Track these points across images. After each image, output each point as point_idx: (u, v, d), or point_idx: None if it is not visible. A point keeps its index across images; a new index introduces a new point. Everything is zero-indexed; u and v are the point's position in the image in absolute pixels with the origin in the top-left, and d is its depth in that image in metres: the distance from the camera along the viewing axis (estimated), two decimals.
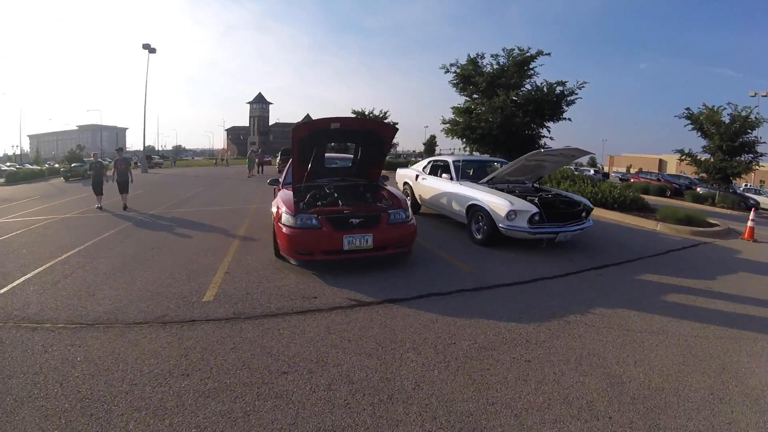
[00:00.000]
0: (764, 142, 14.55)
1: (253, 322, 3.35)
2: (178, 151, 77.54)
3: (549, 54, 13.10)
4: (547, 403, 2.37)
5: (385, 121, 27.80)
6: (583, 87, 12.55)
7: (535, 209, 5.65)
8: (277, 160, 26.29)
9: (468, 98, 14.80)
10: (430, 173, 8.21)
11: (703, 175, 15.69)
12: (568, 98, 12.80)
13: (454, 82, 14.44)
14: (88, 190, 10.70)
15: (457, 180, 7.05)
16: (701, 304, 4.23)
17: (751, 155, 14.73)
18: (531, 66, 13.29)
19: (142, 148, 31.73)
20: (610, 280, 4.87)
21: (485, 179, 6.89)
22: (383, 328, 3.28)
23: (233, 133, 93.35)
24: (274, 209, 4.99)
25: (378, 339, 3.09)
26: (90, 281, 4.35)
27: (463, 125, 13.96)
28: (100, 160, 10.67)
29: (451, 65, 14.22)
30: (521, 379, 2.61)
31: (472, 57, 13.88)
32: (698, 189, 19.19)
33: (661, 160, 64.95)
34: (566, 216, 6.00)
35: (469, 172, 7.60)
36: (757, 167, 15.20)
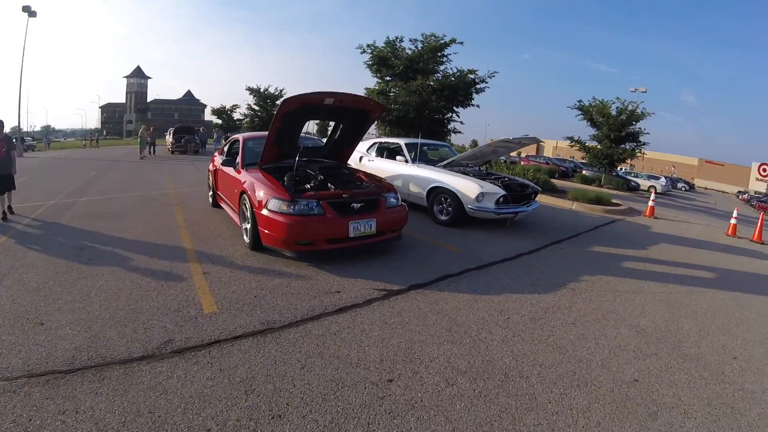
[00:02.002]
0: (648, 133, 17.57)
1: (297, 331, 2.86)
2: (48, 131, 65.84)
3: (462, 43, 13.73)
4: (613, 352, 2.85)
5: (282, 99, 25.98)
6: (493, 76, 13.53)
7: (502, 191, 6.12)
8: (169, 140, 22.65)
9: (380, 80, 14.68)
10: (377, 155, 7.99)
11: (587, 159, 18.04)
12: (478, 86, 13.61)
13: (369, 63, 14.23)
14: None
15: (413, 162, 6.94)
16: (650, 269, 5.21)
17: (635, 144, 17.57)
18: (444, 53, 13.70)
19: (17, 128, 23.63)
20: (572, 253, 5.59)
21: (444, 162, 7.08)
22: (438, 315, 3.23)
23: (108, 111, 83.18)
24: (256, 194, 4.25)
25: (443, 325, 3.05)
26: (25, 302, 3.12)
27: None
28: None
29: (368, 46, 13.94)
30: (581, 338, 3.03)
31: (390, 40, 13.81)
32: (584, 172, 22.04)
33: (539, 145, 71.38)
34: (521, 197, 6.61)
35: (412, 154, 7.54)
36: (641, 154, 18.21)
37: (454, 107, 14.24)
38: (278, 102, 26.05)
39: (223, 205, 6.15)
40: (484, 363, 2.54)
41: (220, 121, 30.69)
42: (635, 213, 10.42)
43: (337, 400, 2.13)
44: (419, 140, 7.54)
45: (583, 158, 22.26)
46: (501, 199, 6.09)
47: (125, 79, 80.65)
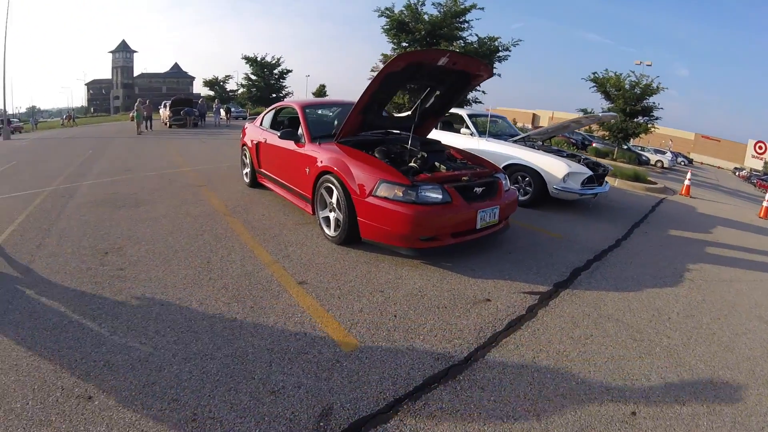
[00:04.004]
0: (661, 108, 17.29)
1: (488, 365, 2.24)
2: (33, 112, 62.93)
3: (483, 8, 12.70)
4: (765, 347, 2.85)
5: (280, 68, 24.24)
6: (517, 44, 12.56)
7: (589, 172, 5.87)
8: (165, 113, 20.63)
9: (396, 47, 13.47)
10: None
11: (605, 133, 17.44)
12: (500, 54, 12.63)
13: (387, 28, 13.01)
14: None
15: (480, 136, 6.09)
16: (728, 254, 5.08)
17: (647, 118, 17.31)
18: (465, 18, 12.60)
19: (1, 110, 21.12)
20: (657, 238, 5.45)
21: (518, 137, 6.63)
22: (610, 321, 2.95)
23: (95, 87, 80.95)
24: (355, 176, 3.40)
25: (625, 333, 2.77)
26: (50, 353, 2.06)
27: None
28: None
29: (386, 9, 12.65)
30: (736, 335, 3.01)
31: (411, 3, 12.54)
32: (594, 144, 21.71)
33: (534, 115, 69.95)
34: (598, 177, 6.32)
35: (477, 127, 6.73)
36: (654, 129, 17.81)
37: None
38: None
39: (271, 185, 5.22)
40: (689, 373, 2.47)
41: (212, 93, 29.31)
42: (670, 192, 10.39)
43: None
44: (486, 112, 6.66)
45: (584, 130, 21.55)
46: (585, 180, 5.79)
47: (111, 54, 78.62)
